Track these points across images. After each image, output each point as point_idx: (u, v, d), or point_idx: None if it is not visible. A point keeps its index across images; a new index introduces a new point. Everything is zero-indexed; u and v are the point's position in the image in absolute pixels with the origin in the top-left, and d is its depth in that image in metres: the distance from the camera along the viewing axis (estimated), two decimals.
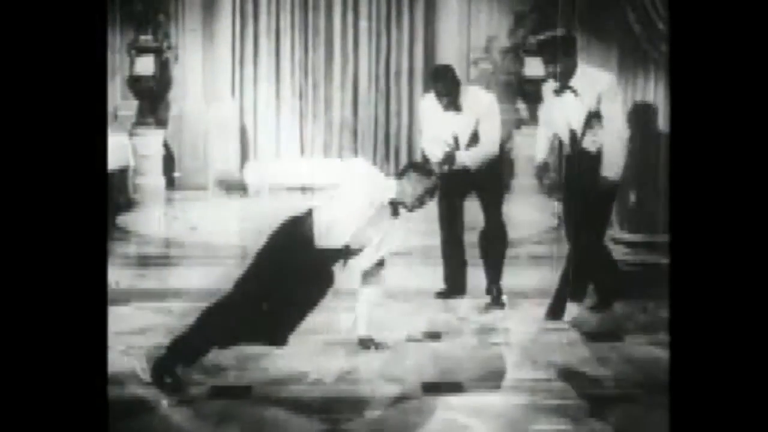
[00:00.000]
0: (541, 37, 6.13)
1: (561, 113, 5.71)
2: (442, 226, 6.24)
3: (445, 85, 5.92)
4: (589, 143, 5.62)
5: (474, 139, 5.99)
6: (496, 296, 6.09)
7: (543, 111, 6.01)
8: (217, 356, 4.96)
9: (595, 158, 5.59)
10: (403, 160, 12.17)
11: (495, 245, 6.14)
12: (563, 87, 5.64)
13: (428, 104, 6.13)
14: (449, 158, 5.95)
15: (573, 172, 5.79)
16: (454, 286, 6.25)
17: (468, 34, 11.93)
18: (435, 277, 6.30)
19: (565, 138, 5.75)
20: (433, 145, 6.09)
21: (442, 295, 6.23)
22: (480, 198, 6.19)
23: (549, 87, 5.79)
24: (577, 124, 5.64)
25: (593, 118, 5.57)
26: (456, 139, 6.00)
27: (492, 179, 6.13)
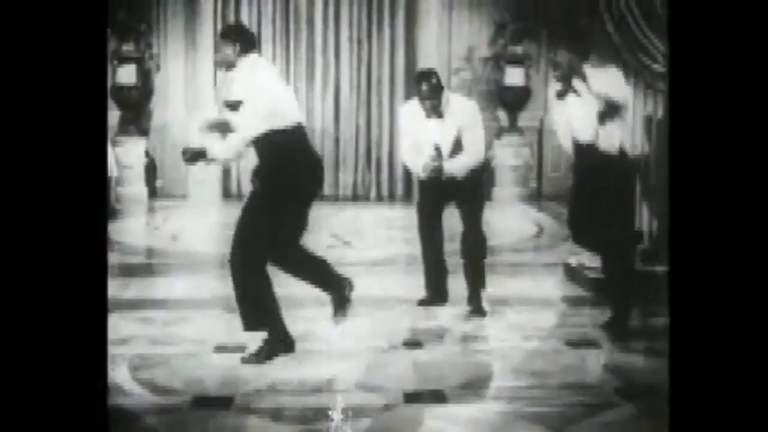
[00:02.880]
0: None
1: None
2: (423, 235, 6.25)
3: (429, 88, 5.91)
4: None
5: (456, 147, 5.98)
6: (477, 305, 6.10)
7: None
8: (199, 367, 4.99)
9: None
10: (385, 167, 12.22)
11: (475, 254, 6.14)
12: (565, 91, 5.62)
13: (409, 111, 6.14)
14: (437, 169, 5.93)
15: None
16: (436, 293, 6.26)
17: (449, 44, 12.00)
18: (416, 285, 6.32)
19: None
20: (413, 154, 6.09)
21: (424, 302, 6.25)
22: (460, 206, 6.18)
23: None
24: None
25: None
26: (438, 148, 5.98)
27: (472, 188, 6.14)
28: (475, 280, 6.14)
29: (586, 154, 5.62)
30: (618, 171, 5.60)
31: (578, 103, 5.52)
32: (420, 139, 6.05)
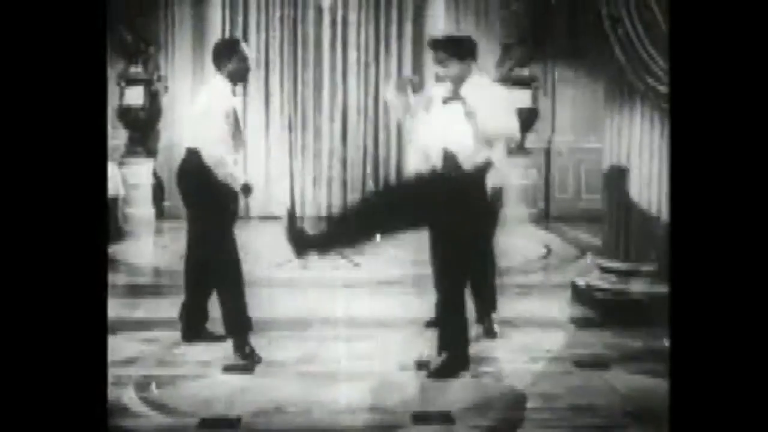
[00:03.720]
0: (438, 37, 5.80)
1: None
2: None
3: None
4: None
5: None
6: (488, 326, 6.02)
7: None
8: (206, 387, 4.97)
9: None
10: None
11: (485, 275, 6.05)
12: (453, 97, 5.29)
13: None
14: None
15: None
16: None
17: None
18: (425, 306, 6.28)
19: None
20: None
21: (433, 324, 6.13)
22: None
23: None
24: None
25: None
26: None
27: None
28: (485, 301, 6.06)
29: (449, 162, 5.18)
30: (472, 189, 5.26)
31: (459, 111, 5.18)
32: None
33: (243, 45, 5.73)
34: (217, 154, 5.49)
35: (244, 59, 5.62)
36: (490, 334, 5.97)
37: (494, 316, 6.07)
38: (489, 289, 6.09)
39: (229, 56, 5.59)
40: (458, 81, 5.28)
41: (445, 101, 5.28)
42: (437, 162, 5.23)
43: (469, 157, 5.14)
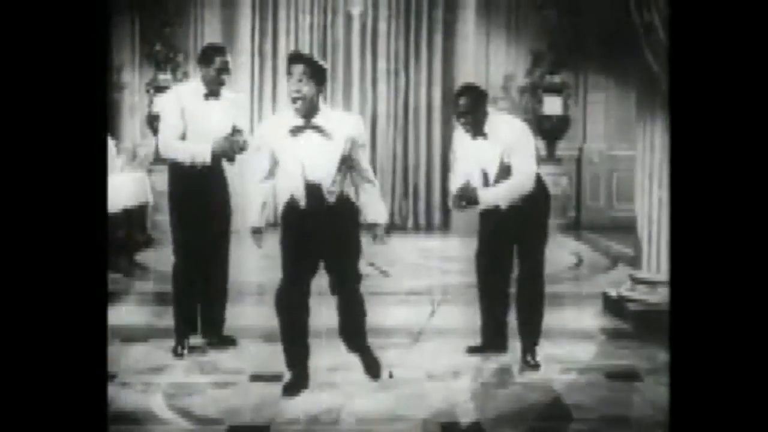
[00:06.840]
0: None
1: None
2: (479, 275, 5.71)
3: (465, 103, 5.35)
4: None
5: (504, 171, 5.39)
6: (531, 360, 5.53)
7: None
8: (234, 395, 4.95)
9: None
10: (422, 197, 12.19)
11: (530, 304, 5.63)
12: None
13: (458, 136, 5.59)
14: (467, 199, 5.41)
15: None
16: (492, 341, 5.74)
17: (486, 73, 11.98)
18: (454, 315, 6.24)
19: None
20: (460, 180, 5.53)
21: (477, 350, 5.75)
22: (517, 243, 5.58)
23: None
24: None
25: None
26: (485, 174, 5.46)
27: (526, 221, 5.51)
28: (530, 334, 5.60)
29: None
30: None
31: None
32: (468, 163, 5.51)
33: (226, 54, 6.04)
34: (163, 141, 5.92)
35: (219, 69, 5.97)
36: (534, 367, 5.51)
37: (538, 349, 5.63)
38: (534, 321, 5.64)
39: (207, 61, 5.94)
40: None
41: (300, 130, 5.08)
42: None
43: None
